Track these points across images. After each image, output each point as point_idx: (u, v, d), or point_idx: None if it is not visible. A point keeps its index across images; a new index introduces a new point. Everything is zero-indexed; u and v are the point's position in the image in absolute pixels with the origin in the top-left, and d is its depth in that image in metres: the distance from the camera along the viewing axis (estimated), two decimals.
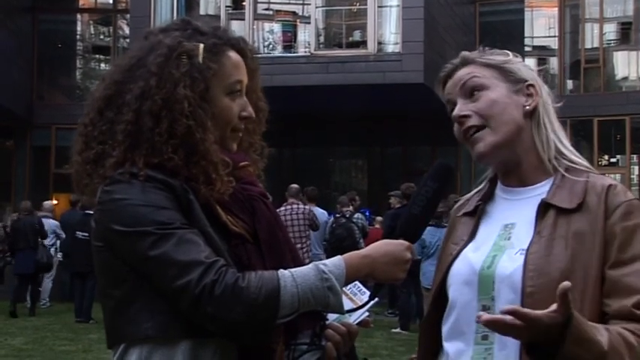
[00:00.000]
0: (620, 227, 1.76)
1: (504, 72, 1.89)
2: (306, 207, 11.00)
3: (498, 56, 1.92)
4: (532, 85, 1.89)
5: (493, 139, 1.85)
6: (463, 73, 1.90)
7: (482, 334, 1.81)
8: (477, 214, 1.94)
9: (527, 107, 1.87)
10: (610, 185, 1.81)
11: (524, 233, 1.82)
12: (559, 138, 1.89)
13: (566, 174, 1.84)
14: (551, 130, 1.88)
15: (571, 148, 1.91)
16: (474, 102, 1.87)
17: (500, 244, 1.84)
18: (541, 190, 1.86)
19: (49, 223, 14.39)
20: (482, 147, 1.86)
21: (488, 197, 1.96)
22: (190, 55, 1.81)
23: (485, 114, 1.86)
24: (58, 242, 14.54)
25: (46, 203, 15.35)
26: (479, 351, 1.81)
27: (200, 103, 1.79)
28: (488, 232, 1.90)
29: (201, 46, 1.83)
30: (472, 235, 1.92)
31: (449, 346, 1.87)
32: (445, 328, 1.89)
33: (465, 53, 1.95)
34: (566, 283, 1.56)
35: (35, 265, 13.33)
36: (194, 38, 1.85)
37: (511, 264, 1.78)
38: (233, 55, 1.88)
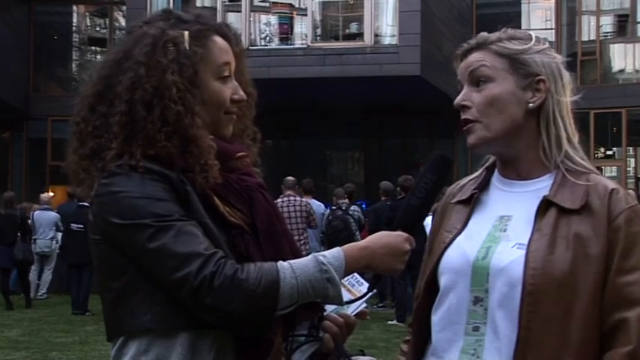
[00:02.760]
0: (622, 234, 1.75)
1: (516, 64, 1.84)
2: (303, 199, 11.00)
3: (516, 44, 1.86)
4: (542, 81, 1.84)
5: (484, 135, 1.84)
6: (475, 58, 1.87)
7: (473, 325, 1.81)
8: (472, 203, 1.93)
9: (531, 105, 1.84)
10: (613, 189, 1.80)
11: (521, 227, 1.81)
12: (568, 136, 1.85)
13: (567, 174, 1.82)
14: (562, 128, 1.85)
15: (578, 147, 1.87)
16: (478, 92, 1.85)
17: (495, 235, 1.83)
18: (540, 185, 1.84)
19: (50, 216, 14.21)
20: (473, 139, 1.86)
21: (483, 186, 1.95)
22: (176, 43, 1.82)
23: (482, 109, 1.84)
24: (59, 235, 14.40)
25: (43, 195, 15.14)
26: (469, 342, 1.81)
27: (189, 88, 1.80)
28: (482, 221, 1.89)
29: (186, 32, 1.84)
30: (465, 224, 1.91)
31: (439, 336, 1.87)
32: (435, 317, 1.89)
33: (483, 35, 1.90)
34: None
35: (11, 260, 13.19)
36: (178, 26, 1.85)
37: (507, 256, 1.78)
38: (218, 39, 1.88)
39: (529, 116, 1.85)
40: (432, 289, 1.91)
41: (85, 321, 11.53)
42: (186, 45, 1.82)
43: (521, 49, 1.86)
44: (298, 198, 10.95)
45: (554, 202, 1.79)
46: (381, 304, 13.01)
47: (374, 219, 11.87)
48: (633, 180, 18.98)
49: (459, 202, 1.96)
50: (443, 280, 1.88)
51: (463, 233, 1.89)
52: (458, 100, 1.87)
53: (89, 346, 9.44)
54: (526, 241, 1.77)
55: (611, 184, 1.82)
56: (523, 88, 1.84)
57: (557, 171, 1.84)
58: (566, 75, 1.89)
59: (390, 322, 11.28)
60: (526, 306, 1.71)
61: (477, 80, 1.86)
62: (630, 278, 1.73)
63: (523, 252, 1.76)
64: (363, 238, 1.91)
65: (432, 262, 1.92)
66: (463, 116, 1.86)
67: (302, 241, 10.45)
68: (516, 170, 1.89)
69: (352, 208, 12.59)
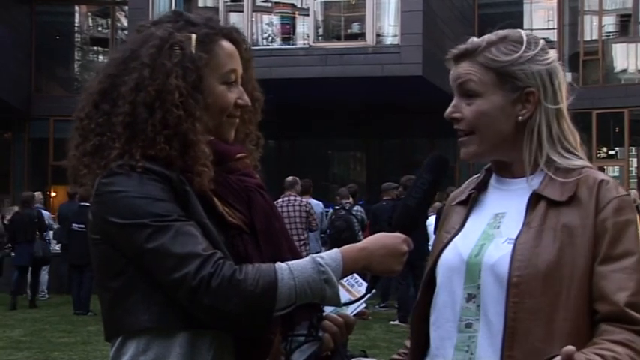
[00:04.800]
0: (611, 223, 1.75)
1: (505, 77, 1.82)
2: (303, 200, 11.00)
3: (505, 55, 1.83)
4: (532, 93, 1.82)
5: (475, 149, 1.86)
6: (463, 70, 1.86)
7: (465, 321, 1.81)
8: (470, 203, 1.94)
9: (521, 118, 1.83)
10: (602, 180, 1.80)
11: (513, 223, 1.81)
12: (553, 144, 1.84)
13: (554, 176, 1.82)
14: (546, 136, 1.83)
15: (567, 153, 1.84)
16: (467, 104, 1.85)
17: (489, 232, 1.84)
18: (533, 182, 1.85)
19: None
20: (465, 154, 1.87)
21: (482, 186, 1.96)
22: (182, 46, 1.82)
23: (471, 124, 1.85)
24: (51, 233, 14.63)
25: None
26: (462, 339, 1.81)
27: (192, 92, 1.80)
28: (478, 220, 1.90)
29: (193, 36, 1.83)
30: (463, 224, 1.92)
31: (434, 334, 1.88)
32: (432, 316, 1.90)
33: (473, 42, 1.87)
34: (570, 348, 1.53)
35: (31, 258, 13.38)
36: (186, 29, 1.85)
37: (497, 252, 1.79)
38: (226, 44, 1.88)
39: (519, 128, 1.84)
40: (430, 289, 1.92)
41: (87, 321, 11.53)
42: (192, 49, 1.82)
43: (510, 60, 1.83)
44: (298, 198, 10.93)
45: (543, 195, 1.80)
46: (383, 304, 13.01)
47: (372, 220, 11.89)
48: (635, 180, 18.96)
49: (459, 203, 1.98)
50: (438, 279, 1.89)
51: (460, 233, 1.91)
52: (448, 112, 1.87)
53: (91, 346, 9.44)
54: (515, 236, 1.78)
55: (601, 176, 1.82)
56: (512, 102, 1.83)
57: (548, 169, 1.84)
58: (560, 75, 1.86)
59: (392, 323, 11.28)
60: (512, 297, 1.72)
61: (466, 93, 1.86)
62: (617, 266, 1.73)
63: (511, 246, 1.77)
64: (365, 238, 1.91)
65: (431, 262, 1.93)
66: (455, 126, 1.87)
67: (302, 242, 10.43)
68: (510, 171, 1.90)
69: (355, 208, 12.59)
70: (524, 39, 1.85)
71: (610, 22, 20.19)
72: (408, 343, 2.04)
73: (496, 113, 1.83)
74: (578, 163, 1.85)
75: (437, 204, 10.16)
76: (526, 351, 1.71)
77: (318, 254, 1.79)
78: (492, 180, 1.95)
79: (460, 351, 1.81)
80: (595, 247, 1.75)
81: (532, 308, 1.71)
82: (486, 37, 1.87)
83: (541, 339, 1.71)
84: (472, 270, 1.81)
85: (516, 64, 1.83)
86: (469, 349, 1.79)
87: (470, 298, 1.81)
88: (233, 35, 1.91)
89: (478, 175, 2.01)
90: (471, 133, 1.85)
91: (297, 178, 11.24)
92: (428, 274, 1.93)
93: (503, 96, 1.83)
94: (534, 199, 1.81)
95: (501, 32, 1.88)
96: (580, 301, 1.73)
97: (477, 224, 1.89)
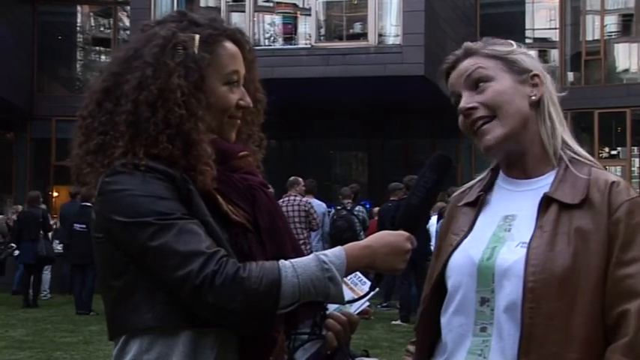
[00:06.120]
0: (622, 226, 1.75)
1: (508, 62, 1.88)
2: (303, 199, 11.02)
3: (502, 47, 1.91)
4: (537, 75, 1.88)
5: (501, 131, 1.84)
6: (467, 64, 1.89)
7: (480, 325, 1.81)
8: (478, 205, 1.93)
9: (533, 97, 1.86)
10: (613, 182, 1.80)
11: (525, 226, 1.81)
12: (564, 129, 1.89)
13: (570, 166, 1.84)
14: (557, 121, 1.88)
15: (572, 138, 1.91)
16: (479, 94, 1.86)
17: (500, 235, 1.84)
18: (543, 182, 1.85)
19: None
20: (491, 140, 1.85)
21: (489, 187, 1.95)
22: (185, 46, 1.82)
23: (492, 105, 1.85)
24: (50, 234, 14.69)
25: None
26: (476, 342, 1.81)
27: (194, 92, 1.80)
28: (487, 222, 1.89)
29: (197, 36, 1.84)
30: (472, 226, 1.91)
31: (447, 337, 1.88)
32: (444, 319, 1.89)
33: (467, 44, 1.93)
34: None
35: (35, 257, 13.45)
36: (189, 29, 1.85)
37: (511, 256, 1.78)
38: (229, 45, 1.88)
39: (531, 109, 1.88)
40: (440, 292, 1.91)
41: (89, 321, 11.54)
42: (195, 49, 1.82)
43: (508, 50, 1.91)
44: (298, 197, 10.96)
45: (555, 198, 1.80)
46: (384, 304, 13.01)
47: (379, 221, 11.88)
48: (638, 180, 18.95)
49: (466, 204, 1.97)
50: (450, 282, 1.88)
51: (470, 235, 1.90)
52: (462, 104, 1.87)
53: (93, 346, 9.44)
54: (528, 240, 1.78)
55: (612, 177, 1.83)
56: (521, 83, 1.87)
57: (560, 165, 1.86)
58: (549, 76, 1.94)
59: (394, 322, 11.28)
60: (528, 303, 1.72)
61: (476, 83, 1.87)
62: (629, 270, 1.73)
63: (525, 250, 1.76)
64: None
65: (440, 265, 1.92)
66: (474, 116, 1.86)
67: (302, 241, 10.45)
68: (522, 168, 1.90)
69: (357, 208, 12.60)
70: (513, 42, 1.94)
71: (612, 22, 20.19)
72: (411, 348, 2.03)
73: (511, 91, 1.86)
74: (587, 155, 1.88)
75: (439, 204, 10.18)
76: (543, 356, 1.71)
77: (322, 252, 1.79)
78: (499, 180, 1.94)
79: (473, 354, 1.81)
80: (608, 251, 1.75)
81: (549, 313, 1.71)
82: (479, 42, 1.94)
83: (558, 344, 1.71)
84: (485, 273, 1.80)
85: (515, 53, 1.90)
86: (482, 352, 1.79)
87: (484, 301, 1.80)
88: (236, 36, 1.91)
89: (482, 176, 2.00)
90: (492, 118, 1.85)
91: (299, 178, 11.27)
92: (437, 277, 1.92)
93: (512, 78, 1.88)
94: (546, 202, 1.81)
95: (490, 39, 1.95)
96: (596, 307, 1.73)
97: (486, 226, 1.88)
